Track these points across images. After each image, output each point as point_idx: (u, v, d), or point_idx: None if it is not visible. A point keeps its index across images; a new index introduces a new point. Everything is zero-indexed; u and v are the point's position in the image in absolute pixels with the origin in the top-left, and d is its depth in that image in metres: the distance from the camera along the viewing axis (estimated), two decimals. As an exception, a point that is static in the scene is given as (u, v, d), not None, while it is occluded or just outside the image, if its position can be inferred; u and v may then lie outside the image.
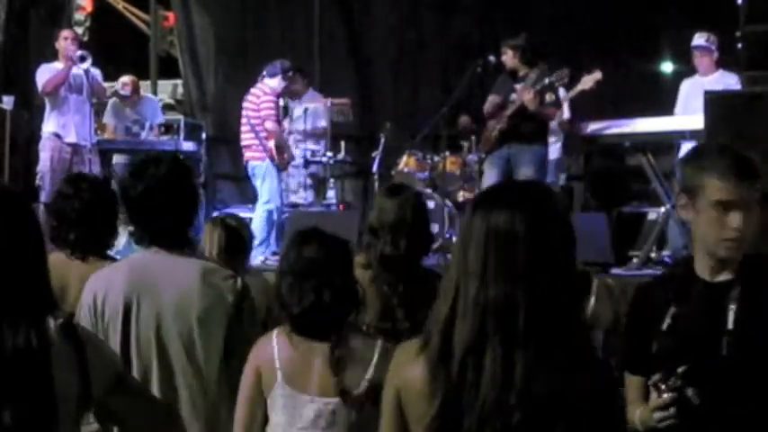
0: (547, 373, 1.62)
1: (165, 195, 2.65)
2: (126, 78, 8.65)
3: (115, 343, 2.60)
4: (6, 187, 2.04)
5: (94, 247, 3.35)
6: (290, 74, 7.95)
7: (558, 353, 1.64)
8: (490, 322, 1.64)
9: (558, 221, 1.72)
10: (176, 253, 2.68)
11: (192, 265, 2.67)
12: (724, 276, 2.34)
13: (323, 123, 8.73)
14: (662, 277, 2.65)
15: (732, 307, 2.27)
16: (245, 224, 4.17)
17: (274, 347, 2.56)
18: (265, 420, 2.57)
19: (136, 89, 8.78)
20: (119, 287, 2.63)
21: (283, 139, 7.95)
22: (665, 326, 2.32)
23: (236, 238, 3.90)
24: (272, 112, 7.76)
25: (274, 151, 7.75)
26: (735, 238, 2.28)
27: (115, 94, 8.60)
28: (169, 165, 2.71)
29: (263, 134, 7.67)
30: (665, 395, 2.21)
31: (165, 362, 2.62)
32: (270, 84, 7.81)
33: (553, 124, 7.70)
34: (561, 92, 7.47)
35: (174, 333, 2.61)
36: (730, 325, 2.26)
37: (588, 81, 7.49)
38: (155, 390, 2.58)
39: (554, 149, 7.84)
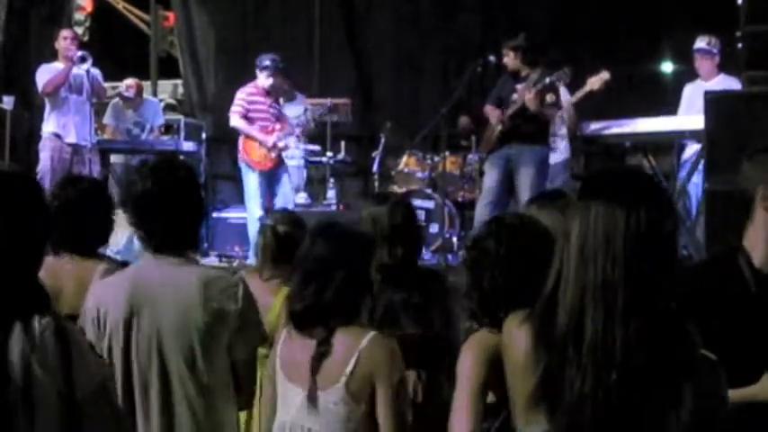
0: (646, 351, 1.68)
1: (176, 199, 2.63)
2: (130, 81, 8.65)
3: (117, 356, 2.60)
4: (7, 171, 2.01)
5: (88, 246, 3.28)
6: (267, 69, 7.62)
7: (656, 331, 1.70)
8: (589, 300, 1.72)
9: (657, 207, 1.77)
10: (180, 260, 2.65)
11: (193, 276, 2.63)
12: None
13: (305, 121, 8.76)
14: (707, 265, 2.73)
15: None
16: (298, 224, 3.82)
17: (281, 338, 2.67)
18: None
19: (140, 92, 8.78)
20: (120, 301, 2.62)
21: (259, 137, 7.56)
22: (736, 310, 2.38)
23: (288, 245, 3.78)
24: (237, 107, 7.63)
25: (241, 151, 7.67)
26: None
27: (119, 95, 8.60)
28: (180, 169, 2.71)
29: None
30: None
31: (165, 377, 2.59)
32: (257, 79, 7.76)
33: (561, 125, 7.71)
34: (564, 92, 7.47)
35: (176, 348, 2.58)
36: None
37: (596, 82, 7.50)
38: (153, 405, 2.57)
39: (562, 149, 7.83)
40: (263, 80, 7.64)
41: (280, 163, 7.67)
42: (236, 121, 7.63)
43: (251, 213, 7.48)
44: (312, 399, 2.51)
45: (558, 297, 1.76)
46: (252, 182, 7.57)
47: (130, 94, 8.58)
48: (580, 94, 7.63)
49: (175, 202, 2.63)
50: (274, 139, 7.55)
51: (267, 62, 7.63)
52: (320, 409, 2.51)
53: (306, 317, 2.57)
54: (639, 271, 1.71)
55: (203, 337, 2.58)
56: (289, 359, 2.61)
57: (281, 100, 8.21)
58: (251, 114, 7.61)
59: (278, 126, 7.68)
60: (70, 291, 2.99)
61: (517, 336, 1.83)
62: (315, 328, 2.56)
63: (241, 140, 7.67)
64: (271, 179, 7.60)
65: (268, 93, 7.67)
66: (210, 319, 2.58)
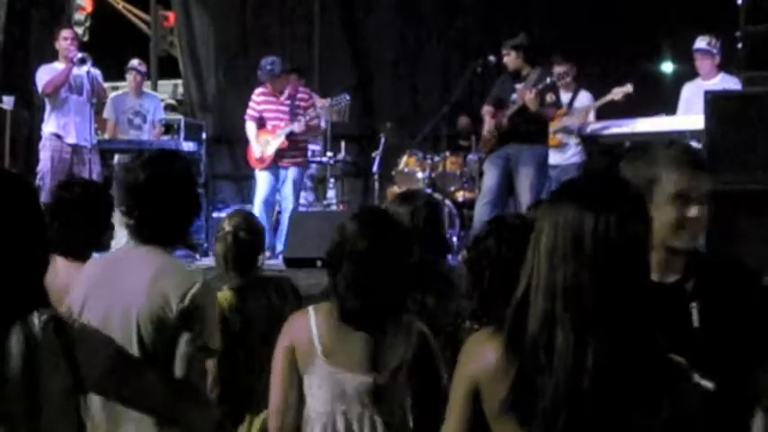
0: (618, 356, 1.67)
1: (168, 192, 2.61)
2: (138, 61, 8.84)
3: None
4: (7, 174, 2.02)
5: (84, 248, 3.26)
6: (270, 72, 7.57)
7: (627, 336, 1.68)
8: (558, 306, 1.70)
9: (629, 214, 1.75)
10: (155, 251, 2.57)
11: (152, 264, 2.53)
12: (673, 277, 2.29)
13: (321, 124, 8.74)
14: None
15: (694, 305, 2.23)
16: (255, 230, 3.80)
17: (312, 326, 2.58)
18: (300, 399, 2.60)
19: (147, 73, 8.88)
20: (80, 286, 2.59)
21: (259, 140, 7.59)
22: None
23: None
24: (248, 111, 7.70)
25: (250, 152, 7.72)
26: (694, 230, 2.28)
27: (133, 69, 8.65)
28: (176, 162, 2.69)
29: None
30: None
31: None
32: None
33: (575, 127, 7.73)
34: (589, 97, 7.53)
35: (119, 336, 2.42)
36: (696, 323, 2.22)
37: (618, 93, 7.55)
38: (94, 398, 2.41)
39: (575, 152, 7.85)
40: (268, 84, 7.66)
41: (282, 162, 7.58)
42: (246, 125, 7.73)
43: (255, 209, 7.53)
44: (376, 386, 2.51)
45: (529, 303, 1.75)
46: (257, 180, 7.66)
47: (143, 68, 8.82)
48: (603, 101, 7.70)
49: (167, 195, 2.61)
50: (270, 142, 7.52)
51: (264, 68, 7.63)
52: (376, 395, 2.52)
53: (361, 314, 2.55)
54: (609, 275, 1.69)
55: (143, 324, 2.44)
56: (336, 347, 2.56)
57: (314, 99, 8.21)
58: (264, 115, 7.65)
59: (290, 124, 7.59)
60: (56, 293, 2.97)
61: (488, 346, 1.81)
62: (369, 323, 2.55)
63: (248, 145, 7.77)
64: (275, 178, 7.60)
65: (280, 92, 7.65)
66: (152, 308, 2.44)
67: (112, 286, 2.52)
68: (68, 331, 1.87)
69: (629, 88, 7.47)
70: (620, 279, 1.70)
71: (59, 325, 1.85)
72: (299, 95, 7.70)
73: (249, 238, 3.65)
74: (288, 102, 7.60)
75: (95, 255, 3.39)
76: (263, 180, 7.59)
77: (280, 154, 7.52)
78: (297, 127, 7.46)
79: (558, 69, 7.45)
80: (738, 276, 2.30)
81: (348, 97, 8.17)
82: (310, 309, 2.64)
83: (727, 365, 2.17)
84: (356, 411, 2.53)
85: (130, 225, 2.64)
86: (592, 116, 7.82)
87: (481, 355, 1.81)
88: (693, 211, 2.26)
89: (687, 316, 2.21)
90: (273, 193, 7.64)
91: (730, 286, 2.25)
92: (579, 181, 1.96)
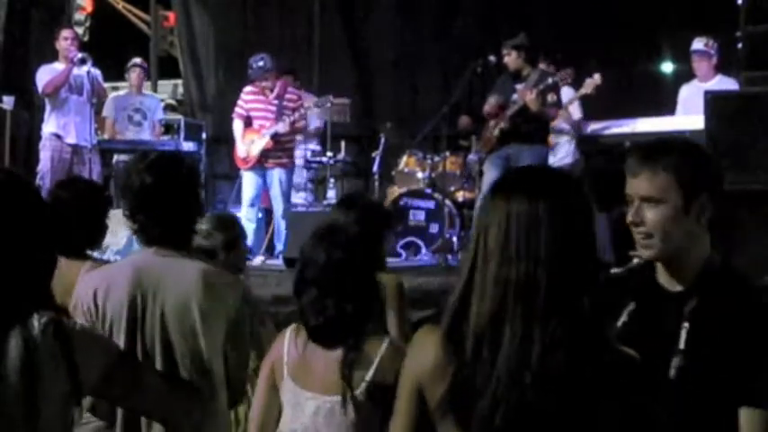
0: (563, 353, 1.63)
1: (172, 195, 2.62)
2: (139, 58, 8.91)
3: (120, 339, 2.57)
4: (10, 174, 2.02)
5: (81, 247, 3.26)
6: (260, 69, 7.57)
7: (575, 334, 1.65)
8: (510, 300, 1.66)
9: (578, 204, 1.74)
10: (180, 253, 2.65)
11: (193, 266, 2.64)
12: (679, 287, 2.11)
13: (317, 123, 8.76)
14: (623, 275, 2.37)
15: (686, 325, 2.04)
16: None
17: (285, 344, 2.60)
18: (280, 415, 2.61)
19: (147, 72, 8.98)
20: (122, 287, 2.60)
21: (244, 139, 7.57)
22: (620, 322, 2.13)
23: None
24: (236, 109, 7.71)
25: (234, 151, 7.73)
26: (643, 234, 2.10)
27: (137, 65, 8.69)
28: (180, 165, 2.69)
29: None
30: None
31: (169, 358, 2.58)
32: None
33: (565, 126, 7.71)
34: (569, 92, 7.47)
35: (179, 331, 2.58)
36: (682, 345, 2.02)
37: (588, 86, 7.47)
38: None
39: (567, 153, 7.82)
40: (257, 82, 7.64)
41: (267, 163, 7.52)
42: (233, 123, 7.71)
43: (242, 212, 7.55)
44: (341, 405, 2.47)
45: (471, 300, 1.70)
46: (243, 180, 7.66)
47: (146, 65, 8.91)
48: (577, 95, 7.62)
49: (172, 198, 2.62)
50: (250, 145, 7.50)
51: (253, 66, 7.61)
52: (338, 414, 2.48)
53: (327, 330, 2.52)
54: (561, 269, 1.66)
55: (204, 326, 2.56)
56: (300, 366, 2.55)
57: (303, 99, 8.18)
58: (251, 114, 7.62)
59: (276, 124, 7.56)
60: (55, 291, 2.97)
61: (427, 344, 1.76)
62: (337, 340, 2.51)
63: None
64: (261, 178, 7.55)
65: (269, 90, 7.62)
66: (210, 308, 2.57)
67: (163, 292, 2.58)
68: (68, 334, 1.86)
69: (597, 80, 7.34)
70: (572, 273, 1.67)
71: (59, 328, 1.85)
72: (288, 95, 7.65)
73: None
74: (276, 101, 7.57)
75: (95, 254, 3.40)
76: (248, 181, 7.57)
77: (264, 154, 7.46)
78: (281, 127, 7.40)
79: (541, 66, 7.41)
80: (741, 303, 2.04)
81: (331, 98, 8.16)
82: (290, 327, 2.63)
83: (703, 398, 2.00)
84: (313, 431, 2.50)
85: (135, 229, 2.66)
86: (574, 110, 7.76)
87: (422, 353, 1.77)
88: (629, 217, 2.11)
89: (675, 335, 2.04)
90: (260, 194, 7.60)
91: (728, 318, 2.01)
92: (524, 173, 1.89)
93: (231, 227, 3.67)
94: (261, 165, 7.48)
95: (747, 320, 2.00)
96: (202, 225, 3.60)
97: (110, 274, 2.70)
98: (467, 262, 1.74)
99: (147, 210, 2.62)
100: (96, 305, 2.62)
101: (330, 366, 2.50)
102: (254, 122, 7.58)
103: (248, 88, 7.71)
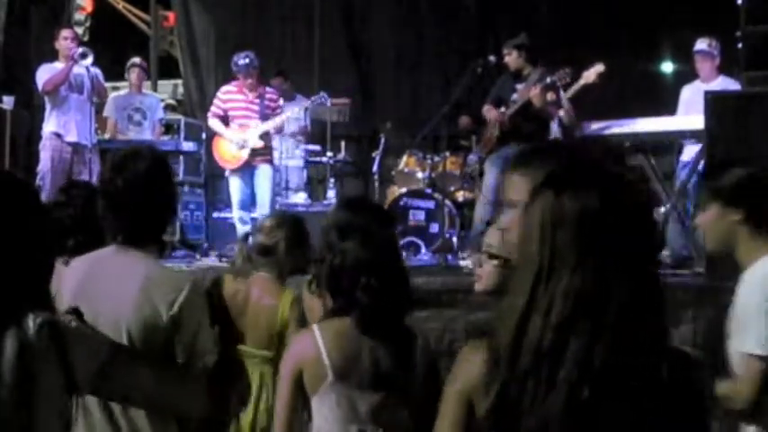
0: (626, 364, 1.48)
1: (142, 192, 2.56)
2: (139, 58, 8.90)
3: None
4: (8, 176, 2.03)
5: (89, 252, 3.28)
6: (246, 66, 7.49)
7: (640, 343, 1.49)
8: (580, 315, 1.48)
9: (646, 205, 1.59)
10: (140, 254, 2.56)
11: (139, 272, 2.52)
12: None
13: (304, 123, 8.78)
14: None
15: None
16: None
17: (320, 344, 2.47)
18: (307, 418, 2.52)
19: (147, 72, 8.97)
20: (67, 289, 2.54)
21: (227, 135, 7.55)
22: None
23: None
24: (212, 107, 7.72)
25: (213, 151, 7.69)
26: (503, 241, 1.98)
27: (136, 65, 8.68)
28: (148, 161, 2.62)
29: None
30: None
31: None
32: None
33: (554, 127, 7.69)
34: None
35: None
36: None
37: (591, 75, 7.37)
38: (91, 402, 2.41)
39: None
40: (242, 79, 7.60)
41: (254, 161, 7.50)
42: (210, 121, 7.70)
43: (233, 213, 7.53)
44: (388, 403, 2.45)
45: (533, 309, 1.51)
46: (230, 181, 7.62)
47: (144, 64, 8.86)
48: (576, 87, 7.55)
49: (135, 195, 2.56)
50: (244, 137, 7.45)
51: (238, 63, 7.59)
52: (397, 410, 2.47)
53: (375, 315, 2.46)
54: (632, 273, 1.50)
55: (133, 335, 2.44)
56: (345, 363, 2.46)
57: (281, 100, 8.18)
58: (229, 113, 7.60)
59: (260, 123, 7.54)
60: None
61: (474, 357, 1.61)
62: (383, 327, 2.48)
63: (214, 141, 7.72)
64: (249, 177, 7.53)
65: (249, 89, 7.58)
66: (139, 324, 2.44)
67: (99, 293, 2.49)
68: (63, 334, 1.88)
69: (600, 67, 7.14)
70: (641, 276, 1.51)
71: (54, 328, 1.86)
72: (268, 95, 7.65)
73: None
74: (257, 100, 7.57)
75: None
76: (237, 182, 7.54)
77: (252, 153, 7.48)
78: (270, 128, 7.48)
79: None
80: None
81: (327, 97, 8.15)
82: (315, 327, 2.53)
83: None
84: (370, 431, 2.46)
85: (105, 225, 2.62)
86: (567, 106, 7.70)
87: (470, 367, 1.62)
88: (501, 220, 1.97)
89: None
90: (252, 194, 7.56)
91: None
92: (580, 165, 1.64)
93: (294, 225, 3.57)
94: (248, 163, 7.48)
95: None
96: (266, 222, 3.61)
97: (66, 275, 2.62)
98: (527, 270, 1.53)
99: (110, 208, 2.59)
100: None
101: (379, 360, 2.46)
102: (234, 121, 7.55)
103: (226, 87, 7.72)
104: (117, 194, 2.57)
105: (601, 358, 1.47)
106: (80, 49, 7.54)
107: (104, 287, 2.51)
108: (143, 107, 8.61)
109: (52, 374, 1.85)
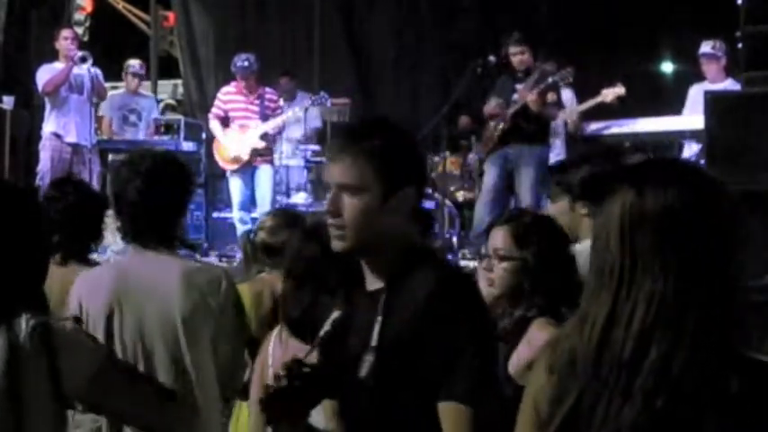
0: (702, 376, 1.40)
1: (155, 192, 2.61)
2: (137, 61, 8.85)
3: None
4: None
5: (77, 250, 3.24)
6: (246, 69, 7.57)
7: (716, 355, 1.41)
8: (662, 322, 1.40)
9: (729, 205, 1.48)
10: (163, 253, 2.62)
11: (174, 266, 2.61)
12: (378, 284, 1.94)
13: (317, 124, 8.78)
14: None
15: (378, 319, 1.88)
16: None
17: (270, 346, 2.60)
18: None
19: (147, 73, 8.95)
20: (102, 293, 2.59)
21: (225, 138, 7.64)
22: (322, 332, 1.98)
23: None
24: (213, 109, 7.77)
25: (214, 152, 7.73)
26: (336, 225, 1.94)
27: (132, 73, 8.65)
28: (162, 160, 2.69)
29: None
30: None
31: (150, 368, 2.55)
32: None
33: (558, 127, 7.68)
34: (568, 93, 7.46)
35: (160, 341, 2.54)
36: (374, 341, 1.88)
37: (609, 94, 7.38)
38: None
39: (560, 153, 7.79)
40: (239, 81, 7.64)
41: (255, 161, 7.54)
42: (210, 123, 7.74)
43: (233, 213, 7.52)
44: None
45: (615, 319, 1.42)
46: (230, 181, 7.66)
47: (142, 70, 8.87)
48: (591, 103, 7.56)
49: (151, 197, 2.61)
50: (245, 142, 7.47)
51: (237, 65, 7.59)
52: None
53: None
54: (716, 282, 1.41)
55: (186, 329, 2.53)
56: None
57: (281, 99, 8.19)
58: (230, 114, 7.63)
59: (261, 124, 7.55)
60: (54, 295, 2.97)
61: (539, 365, 1.53)
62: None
63: (214, 141, 7.75)
64: (249, 177, 7.56)
65: (248, 90, 7.61)
66: (192, 310, 2.54)
67: (140, 292, 2.56)
68: (55, 338, 1.85)
69: (620, 90, 7.23)
70: (723, 284, 1.43)
71: (46, 330, 1.84)
72: (268, 96, 7.71)
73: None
74: (257, 101, 7.60)
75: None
76: (237, 183, 7.58)
77: (253, 153, 7.52)
78: (271, 128, 7.50)
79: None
80: (427, 286, 1.86)
81: (327, 97, 8.17)
82: (276, 329, 2.61)
83: (392, 392, 1.86)
84: None
85: (120, 228, 2.67)
86: (574, 117, 7.71)
87: (539, 376, 1.52)
88: (325, 205, 1.98)
89: (370, 332, 1.89)
90: (253, 194, 7.60)
91: (416, 305, 1.85)
92: (666, 162, 1.54)
93: (299, 224, 3.54)
94: (249, 164, 7.52)
95: (433, 305, 1.83)
96: (268, 221, 3.60)
97: (93, 279, 2.70)
98: (604, 274, 1.45)
99: (127, 209, 2.62)
100: (81, 312, 2.61)
101: None
102: (234, 122, 7.60)
103: (226, 88, 7.79)
104: (127, 194, 2.61)
105: (679, 367, 1.39)
106: (80, 53, 7.55)
107: (145, 285, 2.58)
108: (138, 108, 8.62)
109: (40, 378, 1.82)
